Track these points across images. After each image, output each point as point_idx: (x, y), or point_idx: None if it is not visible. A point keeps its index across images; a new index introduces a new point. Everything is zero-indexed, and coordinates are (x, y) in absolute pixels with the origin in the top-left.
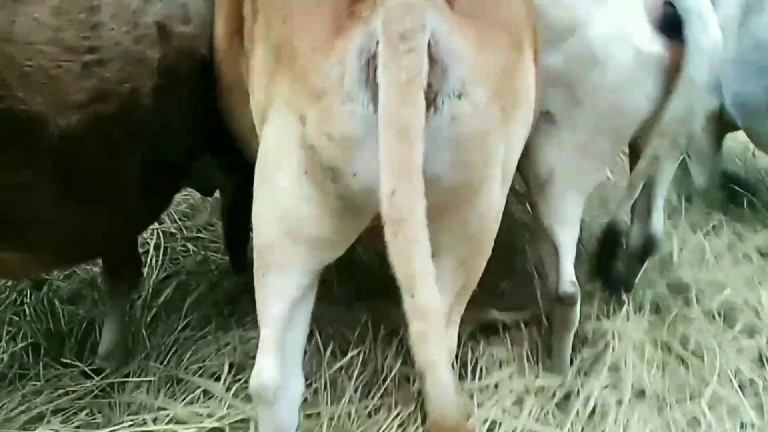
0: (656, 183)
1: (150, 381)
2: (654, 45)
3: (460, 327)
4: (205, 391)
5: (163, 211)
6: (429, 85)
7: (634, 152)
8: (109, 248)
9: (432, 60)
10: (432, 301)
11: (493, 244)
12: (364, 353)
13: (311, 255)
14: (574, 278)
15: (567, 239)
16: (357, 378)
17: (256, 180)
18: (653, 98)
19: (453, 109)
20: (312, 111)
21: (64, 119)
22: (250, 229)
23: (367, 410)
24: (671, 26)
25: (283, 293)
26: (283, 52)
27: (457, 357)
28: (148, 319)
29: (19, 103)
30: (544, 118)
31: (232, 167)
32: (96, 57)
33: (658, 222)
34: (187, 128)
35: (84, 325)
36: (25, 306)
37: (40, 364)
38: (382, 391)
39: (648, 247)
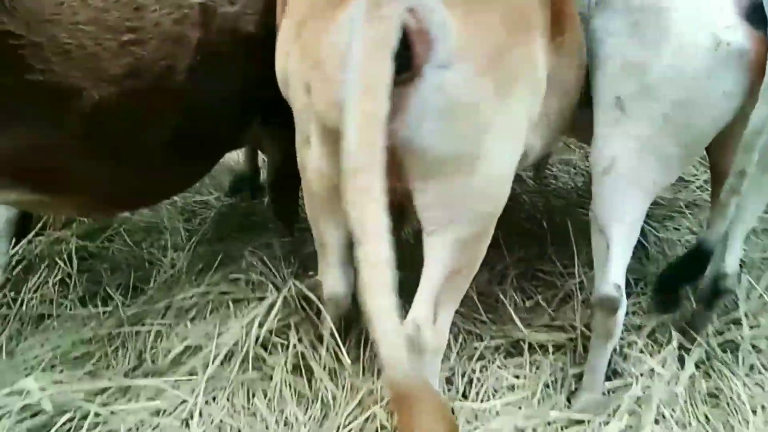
0: (738, 209)
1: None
2: (735, 34)
3: (476, 339)
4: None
5: (204, 173)
6: (417, 55)
7: (715, 167)
8: (146, 201)
9: (421, 31)
10: (380, 252)
11: (493, 228)
12: None
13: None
14: (620, 282)
15: (620, 238)
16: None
17: (297, 140)
18: (732, 97)
19: (437, 78)
20: (314, 79)
21: (98, 91)
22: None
23: None
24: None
25: (333, 224)
26: (298, 25)
27: (463, 373)
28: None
29: (57, 77)
30: (615, 103)
31: (278, 135)
32: (135, 37)
33: (734, 257)
34: (229, 101)
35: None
36: (72, 248)
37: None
38: None
39: (719, 286)
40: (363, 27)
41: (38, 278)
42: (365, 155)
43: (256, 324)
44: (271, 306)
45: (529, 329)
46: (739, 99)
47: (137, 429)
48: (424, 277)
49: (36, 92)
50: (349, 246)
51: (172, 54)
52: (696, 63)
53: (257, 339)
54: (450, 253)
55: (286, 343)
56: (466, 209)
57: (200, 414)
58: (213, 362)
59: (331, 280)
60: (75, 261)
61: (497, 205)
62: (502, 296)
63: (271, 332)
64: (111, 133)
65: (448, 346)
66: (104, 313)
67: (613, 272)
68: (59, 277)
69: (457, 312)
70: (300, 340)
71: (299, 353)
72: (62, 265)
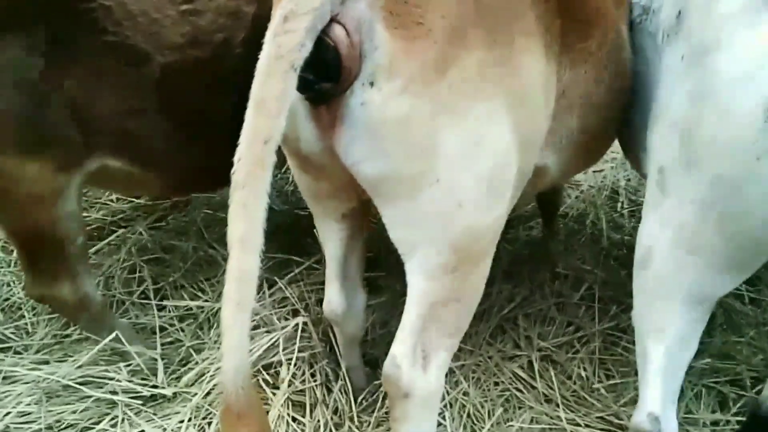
0: None
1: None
2: None
3: (524, 412)
4: None
5: None
6: (346, 71)
7: None
8: (215, 183)
9: (352, 47)
10: (245, 267)
11: (486, 259)
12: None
13: (325, 206)
14: (657, 412)
15: (656, 356)
16: None
17: None
18: None
19: (364, 95)
20: None
21: (164, 58)
22: None
23: None
24: None
25: (327, 237)
26: None
27: None
28: None
29: (129, 40)
30: (658, 177)
31: None
32: (192, 7)
33: None
34: None
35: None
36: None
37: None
38: None
39: None
40: (267, 40)
41: (108, 270)
42: (249, 171)
43: (264, 352)
44: (285, 337)
45: (580, 417)
46: None
47: None
48: (405, 308)
49: (115, 53)
50: (357, 264)
51: (228, 27)
52: (740, 135)
53: (266, 368)
54: (423, 281)
55: (298, 374)
56: (424, 234)
57: None
58: (209, 388)
59: (330, 295)
60: (142, 255)
61: (469, 233)
62: (568, 369)
63: (280, 363)
64: (180, 102)
65: (487, 410)
66: (158, 313)
67: (649, 399)
68: (128, 269)
69: (514, 374)
70: (312, 374)
71: (310, 389)
72: (130, 257)
